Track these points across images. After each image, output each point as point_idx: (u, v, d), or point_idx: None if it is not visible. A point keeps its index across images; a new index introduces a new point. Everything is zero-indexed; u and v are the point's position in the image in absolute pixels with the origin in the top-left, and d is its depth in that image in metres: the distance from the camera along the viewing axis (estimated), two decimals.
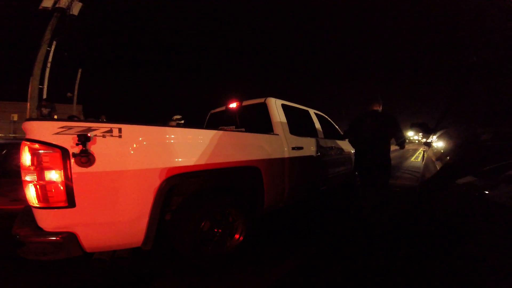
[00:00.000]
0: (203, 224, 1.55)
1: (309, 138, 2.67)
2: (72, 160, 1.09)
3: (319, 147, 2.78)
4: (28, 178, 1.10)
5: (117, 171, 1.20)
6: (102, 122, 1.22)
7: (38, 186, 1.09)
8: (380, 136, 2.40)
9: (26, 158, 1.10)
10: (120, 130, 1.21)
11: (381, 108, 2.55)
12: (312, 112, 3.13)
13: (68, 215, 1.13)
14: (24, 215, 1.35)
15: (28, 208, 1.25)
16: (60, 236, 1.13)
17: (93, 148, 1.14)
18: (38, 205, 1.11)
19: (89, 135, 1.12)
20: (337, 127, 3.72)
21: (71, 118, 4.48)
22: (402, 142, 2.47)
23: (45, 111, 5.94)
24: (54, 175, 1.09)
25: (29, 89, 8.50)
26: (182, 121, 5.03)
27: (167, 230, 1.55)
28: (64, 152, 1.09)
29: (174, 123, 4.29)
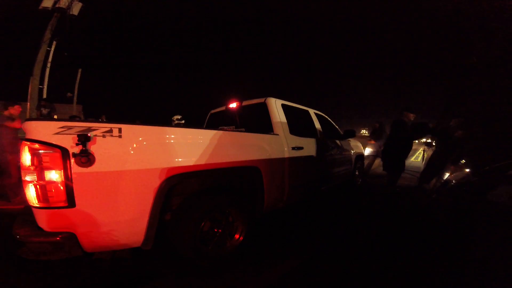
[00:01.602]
0: (203, 224, 1.55)
1: (309, 138, 2.66)
2: (72, 160, 1.09)
3: (319, 147, 2.78)
4: (28, 178, 1.10)
5: (117, 171, 1.20)
6: (102, 122, 1.22)
7: (38, 186, 1.09)
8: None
9: (26, 158, 1.10)
10: (120, 130, 1.21)
11: (404, 117, 3.31)
12: (312, 112, 3.13)
13: (68, 215, 1.13)
14: (24, 215, 1.35)
15: (28, 208, 1.25)
16: (60, 236, 1.13)
17: (93, 148, 1.14)
18: (38, 205, 1.11)
19: (89, 135, 1.12)
20: (337, 127, 3.72)
21: (72, 118, 4.48)
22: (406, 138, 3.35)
23: (44, 111, 5.94)
24: (54, 175, 1.09)
25: (29, 89, 8.49)
26: (183, 121, 5.04)
27: (167, 230, 1.55)
28: (64, 152, 1.09)
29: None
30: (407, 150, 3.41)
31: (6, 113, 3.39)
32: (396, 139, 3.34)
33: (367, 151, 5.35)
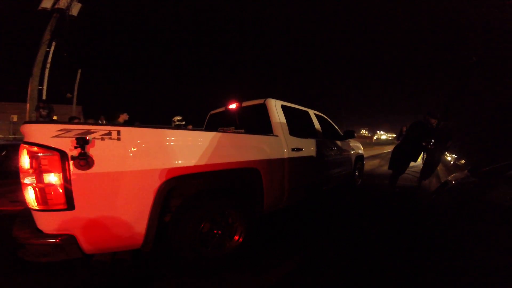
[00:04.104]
0: (202, 225, 1.55)
1: (309, 139, 2.66)
2: (71, 163, 1.09)
3: (319, 148, 2.78)
4: (27, 181, 1.10)
5: (116, 173, 1.19)
6: (102, 123, 1.22)
7: (37, 189, 1.09)
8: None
9: (25, 161, 1.10)
10: (119, 132, 1.21)
11: (425, 121, 3.41)
12: (311, 113, 3.13)
13: (67, 218, 1.13)
14: (23, 217, 1.35)
15: (28, 210, 1.25)
16: (59, 238, 1.13)
17: (92, 151, 1.14)
18: (37, 208, 1.11)
19: (87, 138, 1.12)
20: (337, 127, 3.72)
21: (72, 119, 4.48)
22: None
23: (43, 112, 5.94)
24: (53, 178, 1.09)
25: (29, 89, 8.49)
26: (183, 122, 5.04)
27: (166, 232, 1.55)
28: (62, 155, 1.09)
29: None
30: (419, 152, 3.53)
31: (120, 119, 3.89)
32: (412, 139, 3.46)
33: None
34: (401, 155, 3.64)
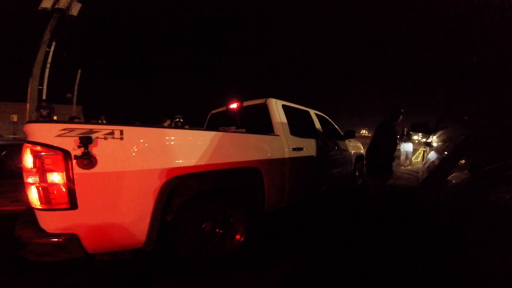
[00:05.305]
0: (204, 225, 1.55)
1: (309, 139, 2.67)
2: (74, 162, 1.10)
3: (319, 147, 2.79)
4: (30, 180, 1.11)
5: (119, 173, 1.20)
6: (102, 123, 1.22)
7: (40, 188, 1.10)
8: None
9: (28, 160, 1.10)
10: (121, 132, 1.22)
11: (392, 118, 3.13)
12: (312, 112, 3.13)
13: (71, 217, 1.14)
14: (26, 217, 1.35)
15: (30, 209, 1.25)
16: (62, 237, 1.13)
17: (95, 150, 1.15)
18: (40, 207, 1.12)
19: (90, 137, 1.12)
20: (337, 127, 3.73)
21: (72, 119, 4.49)
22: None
23: (44, 112, 5.96)
24: (56, 177, 1.09)
25: (29, 90, 8.50)
26: (177, 119, 5.01)
27: (168, 231, 1.55)
28: (66, 154, 1.09)
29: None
30: (392, 152, 3.27)
31: (165, 124, 4.37)
32: (382, 141, 3.03)
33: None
34: (378, 160, 3.14)
